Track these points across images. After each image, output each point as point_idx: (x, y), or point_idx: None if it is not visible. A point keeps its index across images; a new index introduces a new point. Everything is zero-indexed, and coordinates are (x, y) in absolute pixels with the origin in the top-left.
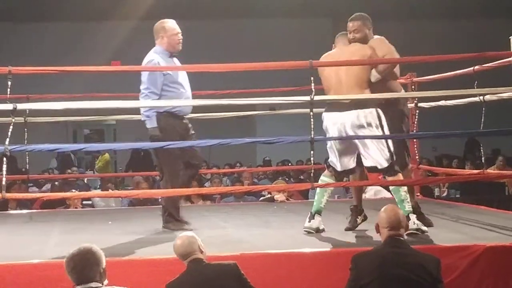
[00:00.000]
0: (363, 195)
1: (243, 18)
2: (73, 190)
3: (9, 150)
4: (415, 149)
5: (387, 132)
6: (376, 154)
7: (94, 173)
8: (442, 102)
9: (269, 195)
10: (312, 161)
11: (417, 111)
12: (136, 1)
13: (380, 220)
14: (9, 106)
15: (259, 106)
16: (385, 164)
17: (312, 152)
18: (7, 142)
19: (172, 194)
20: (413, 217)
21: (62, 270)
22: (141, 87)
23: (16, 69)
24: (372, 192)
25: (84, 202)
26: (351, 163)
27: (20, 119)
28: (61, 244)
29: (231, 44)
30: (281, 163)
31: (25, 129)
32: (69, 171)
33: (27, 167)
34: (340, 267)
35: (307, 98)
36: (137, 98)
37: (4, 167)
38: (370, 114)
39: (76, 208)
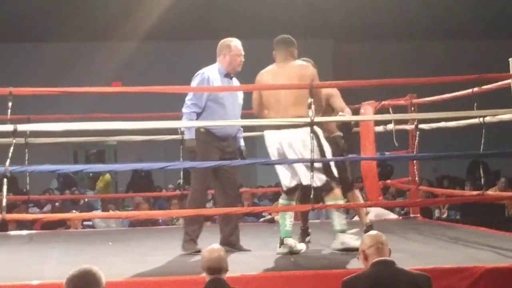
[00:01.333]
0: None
1: (244, 38)
2: (74, 211)
3: (9, 171)
4: (415, 170)
5: (327, 149)
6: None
7: (94, 193)
8: (442, 124)
9: (269, 216)
10: (312, 182)
11: (418, 133)
12: (137, 22)
13: (364, 245)
14: (9, 127)
15: (258, 127)
16: (319, 184)
17: (312, 173)
18: (7, 163)
19: (170, 215)
20: (342, 236)
21: None
22: (187, 97)
23: (17, 90)
24: (372, 214)
25: (84, 223)
26: (293, 181)
27: (21, 140)
28: (61, 265)
29: None
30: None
31: (26, 150)
32: (67, 192)
33: (28, 188)
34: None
35: (307, 119)
36: (136, 119)
37: (5, 188)
38: (307, 134)
39: (76, 229)
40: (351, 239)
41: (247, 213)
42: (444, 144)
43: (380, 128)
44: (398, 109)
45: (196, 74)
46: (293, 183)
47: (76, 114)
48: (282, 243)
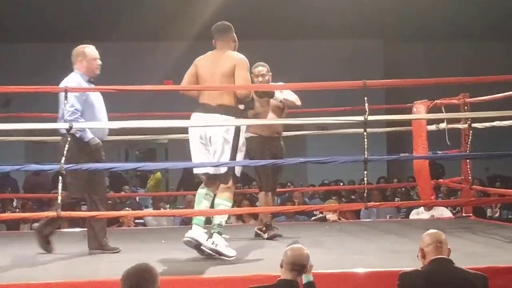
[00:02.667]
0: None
1: (294, 39)
2: (127, 209)
3: (64, 169)
4: (468, 169)
5: (241, 141)
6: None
7: (145, 191)
8: (496, 123)
9: (320, 215)
10: (365, 181)
11: (471, 132)
12: (189, 22)
13: (423, 243)
14: (65, 125)
15: (308, 126)
16: (217, 172)
17: (365, 172)
18: (62, 161)
19: (222, 213)
20: (216, 236)
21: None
22: (67, 106)
23: (73, 88)
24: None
25: (136, 221)
26: (202, 169)
27: None
28: (115, 262)
29: (282, 65)
30: (333, 183)
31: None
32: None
33: None
34: (392, 287)
35: (361, 118)
36: (188, 117)
37: (60, 185)
38: (227, 121)
39: (129, 226)
40: (223, 243)
41: (300, 211)
42: (493, 143)
43: (432, 127)
44: (450, 108)
45: (70, 83)
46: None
47: (128, 112)
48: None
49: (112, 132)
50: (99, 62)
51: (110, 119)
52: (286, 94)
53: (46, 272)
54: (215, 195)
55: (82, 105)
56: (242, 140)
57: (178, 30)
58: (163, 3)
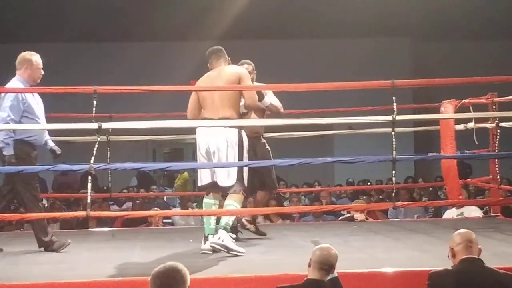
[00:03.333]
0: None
1: (320, 38)
2: (155, 208)
3: (94, 169)
4: (496, 168)
5: (245, 153)
6: (225, 174)
7: (173, 191)
8: None
9: (348, 215)
10: (393, 181)
11: (498, 131)
12: (214, 22)
13: (453, 242)
14: (94, 125)
15: (335, 126)
16: (231, 183)
17: (394, 171)
18: (92, 161)
19: (251, 213)
20: (222, 232)
21: (145, 287)
22: (2, 115)
23: (101, 88)
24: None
25: (164, 221)
26: (208, 178)
27: (103, 138)
28: (143, 261)
29: (308, 64)
30: (361, 183)
31: (108, 148)
32: (143, 190)
33: (110, 185)
34: (421, 287)
35: (389, 117)
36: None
37: (89, 185)
38: (233, 134)
39: (157, 226)
40: (230, 239)
41: (328, 211)
42: None
43: (460, 127)
44: (478, 107)
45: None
46: (205, 182)
47: (155, 112)
48: (206, 239)
49: (140, 132)
50: (42, 72)
51: (137, 119)
52: (271, 98)
53: (74, 272)
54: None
55: (19, 114)
56: (245, 149)
57: (204, 29)
58: (188, 3)
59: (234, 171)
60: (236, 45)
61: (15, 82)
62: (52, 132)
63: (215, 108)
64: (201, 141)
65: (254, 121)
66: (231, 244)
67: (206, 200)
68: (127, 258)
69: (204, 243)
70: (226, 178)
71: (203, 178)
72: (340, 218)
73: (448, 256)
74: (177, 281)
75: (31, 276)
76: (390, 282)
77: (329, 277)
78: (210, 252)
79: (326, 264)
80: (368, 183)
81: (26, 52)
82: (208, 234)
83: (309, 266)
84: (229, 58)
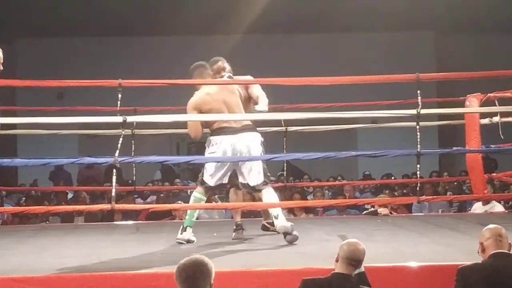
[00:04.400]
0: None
1: (345, 32)
2: (179, 202)
3: (118, 162)
4: None
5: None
6: (256, 174)
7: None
8: None
9: (372, 209)
10: (418, 175)
11: None
12: (243, 16)
13: (483, 237)
14: (119, 119)
15: (359, 119)
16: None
17: (418, 166)
18: (117, 154)
19: (273, 206)
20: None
21: (170, 280)
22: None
23: (126, 82)
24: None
25: None
26: (224, 179)
27: (128, 131)
28: (167, 254)
29: (333, 58)
30: (385, 177)
31: (132, 141)
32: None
33: (134, 179)
34: (446, 281)
35: (414, 111)
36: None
37: (114, 178)
38: (258, 136)
39: (181, 219)
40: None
41: (351, 205)
42: None
43: (485, 121)
44: (504, 101)
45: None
46: (217, 183)
47: (180, 106)
48: (184, 230)
49: (164, 125)
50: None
51: (161, 112)
52: (257, 90)
53: (100, 265)
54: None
55: None
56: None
57: (230, 23)
58: None
59: (261, 170)
60: (264, 39)
61: None
62: (77, 126)
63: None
64: (227, 148)
65: (281, 114)
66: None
67: (196, 195)
68: (152, 251)
69: (181, 233)
70: (257, 178)
71: (215, 178)
72: (364, 212)
73: (478, 252)
74: (203, 273)
75: (58, 269)
76: (415, 277)
77: (356, 272)
78: (184, 243)
79: (354, 259)
80: (392, 178)
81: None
82: (187, 226)
83: (337, 261)
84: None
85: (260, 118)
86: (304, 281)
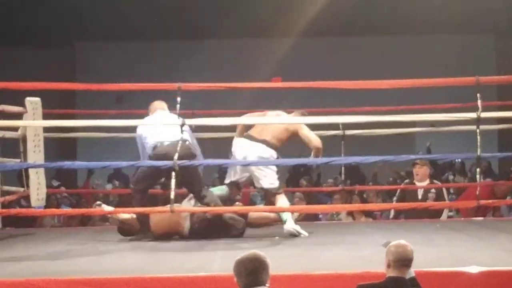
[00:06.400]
0: None
1: (402, 34)
2: (237, 203)
3: (178, 165)
4: None
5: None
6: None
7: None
8: None
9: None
10: (478, 178)
11: None
12: (295, 19)
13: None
14: (178, 121)
15: (418, 123)
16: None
17: (478, 169)
18: (175, 157)
19: (332, 210)
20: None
21: (230, 283)
22: None
23: (185, 85)
24: None
25: None
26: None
27: None
28: (226, 258)
29: (390, 61)
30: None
31: None
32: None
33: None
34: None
35: (473, 115)
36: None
37: (173, 181)
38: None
39: None
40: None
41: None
42: None
43: None
44: None
45: None
46: (228, 180)
47: (236, 109)
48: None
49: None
50: None
51: (219, 115)
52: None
53: (159, 266)
54: None
55: None
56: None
57: (285, 26)
58: (268, 0)
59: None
60: (317, 42)
61: None
62: (135, 129)
63: (268, 134)
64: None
65: (339, 118)
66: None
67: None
68: (211, 253)
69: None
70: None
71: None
72: None
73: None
74: (265, 267)
75: (120, 270)
76: (475, 282)
77: (407, 276)
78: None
79: (406, 259)
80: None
81: None
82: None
83: (388, 266)
84: None
85: (319, 122)
86: (359, 287)
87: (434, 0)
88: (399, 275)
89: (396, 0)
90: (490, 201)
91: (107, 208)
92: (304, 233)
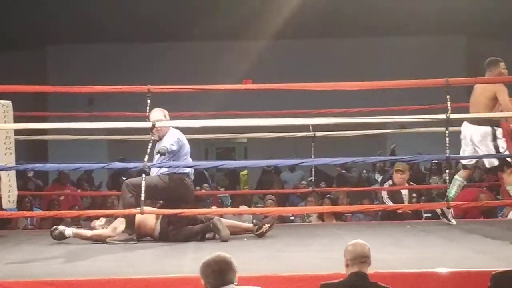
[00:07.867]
0: None
1: (375, 36)
2: (213, 207)
3: (148, 167)
4: None
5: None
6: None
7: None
8: None
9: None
10: (447, 180)
11: None
12: (267, 21)
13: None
14: (148, 124)
15: (389, 125)
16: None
17: (447, 170)
18: (146, 159)
19: (302, 212)
20: None
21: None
22: None
23: (154, 87)
24: None
25: None
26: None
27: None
28: (197, 260)
29: (363, 63)
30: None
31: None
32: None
33: None
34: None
35: (443, 116)
36: (268, 116)
37: (143, 183)
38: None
39: None
40: None
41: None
42: None
43: None
44: None
45: None
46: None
47: (207, 111)
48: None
49: (193, 131)
50: None
51: (190, 118)
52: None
53: (131, 268)
54: None
55: None
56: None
57: (257, 29)
58: (241, 2)
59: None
60: (293, 44)
61: None
62: (106, 131)
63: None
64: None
65: (309, 119)
66: None
67: (456, 177)
68: (182, 255)
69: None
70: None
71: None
72: None
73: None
74: (230, 268)
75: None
76: (444, 283)
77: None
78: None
79: (363, 256)
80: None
81: None
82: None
83: (347, 266)
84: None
85: (292, 123)
86: (322, 286)
87: (406, 1)
88: (360, 270)
89: (369, 2)
90: (459, 202)
91: (68, 231)
92: None
